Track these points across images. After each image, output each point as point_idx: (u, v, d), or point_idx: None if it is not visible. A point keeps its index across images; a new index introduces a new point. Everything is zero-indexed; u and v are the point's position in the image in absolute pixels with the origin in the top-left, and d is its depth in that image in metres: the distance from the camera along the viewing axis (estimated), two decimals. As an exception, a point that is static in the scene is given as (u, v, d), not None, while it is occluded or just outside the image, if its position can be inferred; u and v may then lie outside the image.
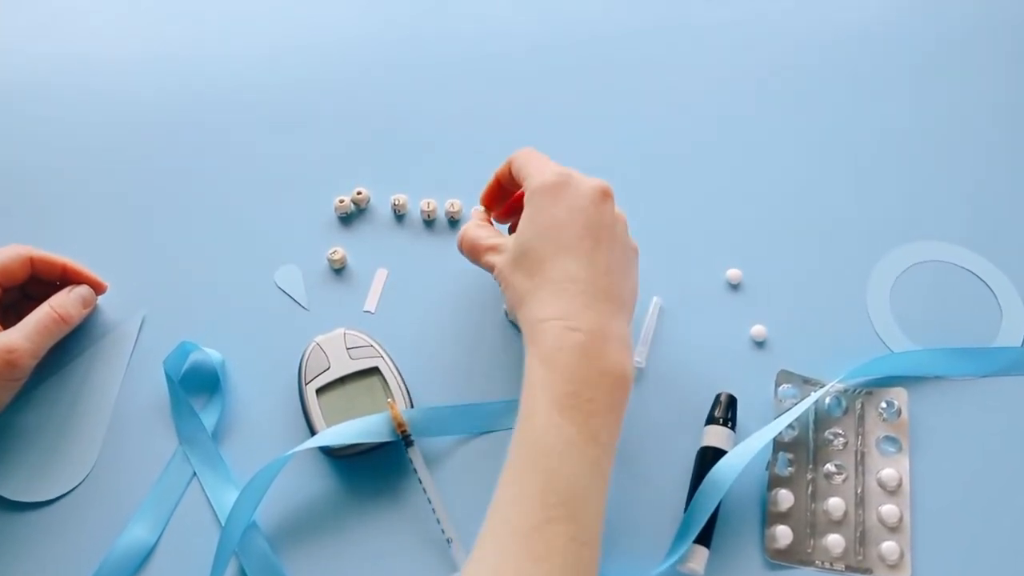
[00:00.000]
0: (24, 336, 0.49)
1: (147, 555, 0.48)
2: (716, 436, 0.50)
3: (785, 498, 0.49)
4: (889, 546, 0.48)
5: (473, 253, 0.50)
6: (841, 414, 0.52)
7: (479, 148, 0.61)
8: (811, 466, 0.51)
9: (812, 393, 0.52)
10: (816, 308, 0.56)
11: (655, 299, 0.56)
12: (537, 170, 0.47)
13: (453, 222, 0.59)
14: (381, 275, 0.57)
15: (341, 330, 0.52)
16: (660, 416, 0.52)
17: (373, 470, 0.50)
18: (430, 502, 0.49)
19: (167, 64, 0.66)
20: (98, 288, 0.55)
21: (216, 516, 0.49)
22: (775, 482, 0.50)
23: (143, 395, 0.53)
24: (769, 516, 0.49)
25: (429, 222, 0.59)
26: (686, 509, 0.48)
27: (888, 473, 0.50)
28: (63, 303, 0.51)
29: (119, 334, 0.55)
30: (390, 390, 0.51)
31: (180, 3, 0.69)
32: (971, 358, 0.54)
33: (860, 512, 0.50)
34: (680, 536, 0.47)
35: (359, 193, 0.59)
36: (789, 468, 0.50)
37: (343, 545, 0.49)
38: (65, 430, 0.52)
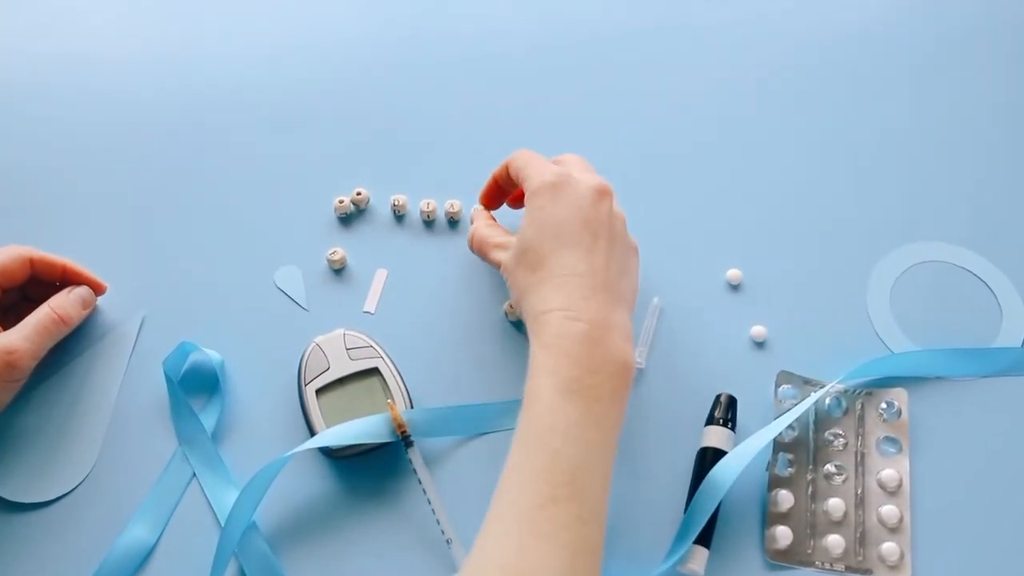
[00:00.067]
0: (24, 337, 0.49)
1: (147, 555, 0.48)
2: (716, 437, 0.50)
3: (785, 499, 0.49)
4: (889, 547, 0.48)
5: (482, 251, 0.52)
6: (841, 415, 0.52)
7: (479, 148, 0.61)
8: (811, 467, 0.51)
9: (812, 394, 0.52)
10: (816, 308, 0.56)
11: (655, 299, 0.55)
12: (536, 171, 0.48)
13: (453, 223, 0.59)
14: (381, 276, 0.57)
15: (341, 331, 0.52)
16: (660, 416, 0.52)
17: (373, 471, 0.50)
18: (430, 503, 0.49)
19: (167, 64, 0.66)
20: (98, 289, 0.55)
21: (216, 516, 0.49)
22: (775, 483, 0.50)
23: (143, 396, 0.53)
24: (769, 517, 0.49)
25: (429, 222, 0.59)
26: (686, 509, 0.48)
27: (888, 474, 0.50)
28: (63, 304, 0.51)
29: (119, 334, 0.55)
30: (390, 391, 0.51)
31: (180, 3, 0.69)
32: (971, 358, 0.54)
33: (860, 513, 0.50)
34: (680, 537, 0.47)
35: (359, 193, 0.59)
36: (789, 469, 0.50)
37: (343, 545, 0.49)
38: (65, 430, 0.52)
